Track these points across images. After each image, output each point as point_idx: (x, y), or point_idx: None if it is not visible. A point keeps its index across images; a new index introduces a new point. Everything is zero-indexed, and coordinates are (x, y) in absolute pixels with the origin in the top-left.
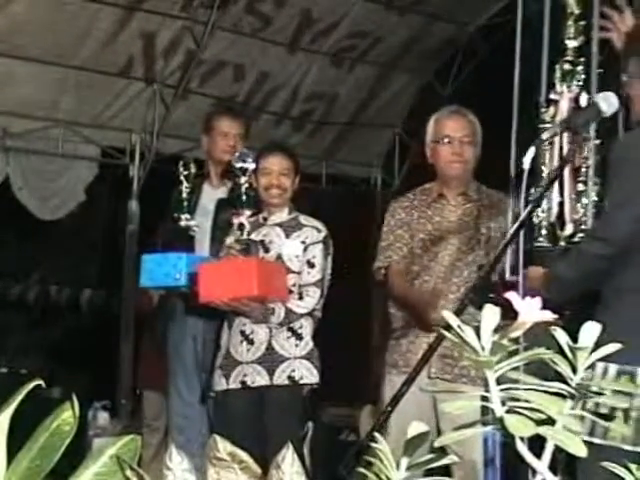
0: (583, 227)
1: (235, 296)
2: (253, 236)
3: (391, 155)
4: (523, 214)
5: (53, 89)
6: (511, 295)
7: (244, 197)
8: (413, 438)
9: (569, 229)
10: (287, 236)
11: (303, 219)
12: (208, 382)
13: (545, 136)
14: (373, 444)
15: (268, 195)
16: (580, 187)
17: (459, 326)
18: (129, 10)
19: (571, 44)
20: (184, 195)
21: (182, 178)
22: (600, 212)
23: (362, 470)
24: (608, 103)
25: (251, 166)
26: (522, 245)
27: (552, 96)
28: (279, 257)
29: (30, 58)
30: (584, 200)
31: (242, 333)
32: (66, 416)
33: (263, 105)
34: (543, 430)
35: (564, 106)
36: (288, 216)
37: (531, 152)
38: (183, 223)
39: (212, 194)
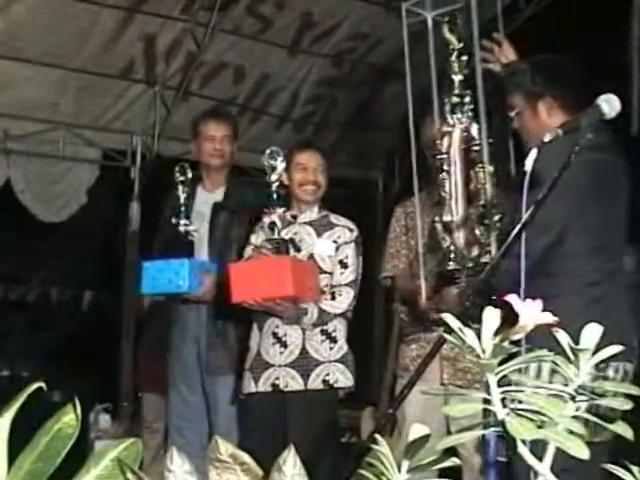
0: (488, 249)
1: (269, 296)
2: (282, 234)
3: (392, 157)
4: (525, 216)
5: (54, 91)
6: (512, 298)
7: (275, 195)
8: (414, 441)
9: (475, 251)
10: (318, 235)
11: (334, 218)
12: (237, 384)
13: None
14: (375, 446)
15: (303, 192)
16: (480, 210)
17: (460, 329)
18: (130, 12)
19: (457, 78)
20: (182, 200)
21: (179, 183)
22: (503, 233)
23: (364, 472)
24: (610, 105)
25: (281, 164)
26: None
27: (445, 128)
28: (311, 256)
29: (31, 60)
30: (486, 221)
31: (275, 335)
32: (68, 419)
33: (264, 107)
34: (545, 432)
35: (457, 136)
36: (318, 214)
37: (533, 154)
38: (182, 228)
39: (206, 198)
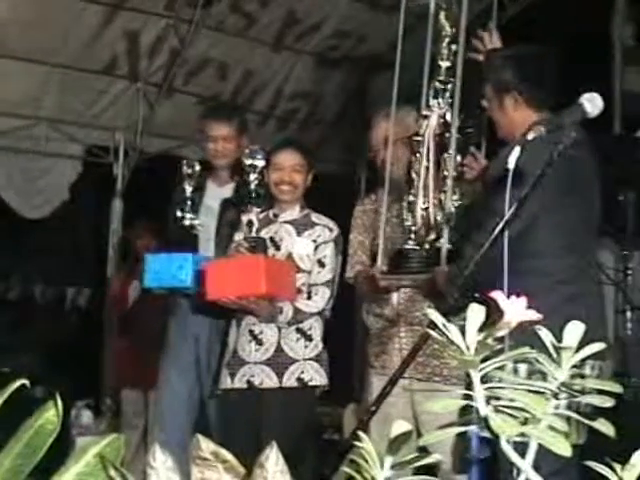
0: (444, 233)
1: (243, 294)
2: (263, 233)
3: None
4: (508, 214)
5: (37, 87)
6: (496, 295)
7: (253, 194)
8: (397, 437)
9: (433, 234)
10: (298, 234)
11: (315, 217)
12: (215, 379)
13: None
14: (357, 443)
15: (279, 191)
16: (442, 196)
17: (444, 325)
18: (113, 8)
19: (443, 64)
20: (187, 194)
21: (185, 176)
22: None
23: (346, 469)
24: (593, 104)
25: (261, 163)
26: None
27: (424, 112)
28: (289, 255)
29: (14, 56)
30: (449, 207)
31: (251, 332)
32: (49, 415)
33: (247, 104)
34: (528, 430)
35: (433, 122)
36: (299, 213)
37: (516, 152)
38: (187, 222)
39: (217, 193)
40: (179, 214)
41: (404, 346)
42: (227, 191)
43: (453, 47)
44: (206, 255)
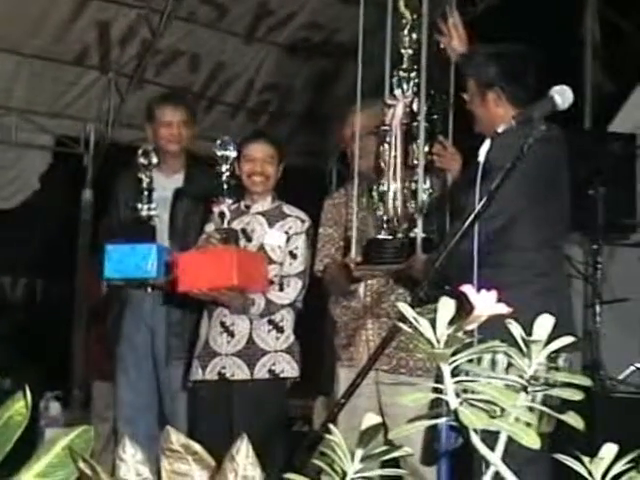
0: (418, 222)
1: (214, 286)
2: (234, 224)
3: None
4: (478, 206)
5: (7, 77)
6: (467, 288)
7: (225, 185)
8: (367, 430)
9: (405, 223)
10: (270, 225)
11: (286, 208)
12: (186, 371)
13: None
14: (327, 435)
15: (251, 182)
16: (413, 186)
17: (415, 318)
18: None
19: (406, 53)
20: (144, 184)
21: (141, 167)
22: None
23: (316, 461)
24: (563, 97)
25: (232, 154)
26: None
27: (389, 101)
28: (261, 247)
29: None
30: (419, 191)
31: (222, 324)
32: (18, 407)
33: (219, 96)
34: (497, 422)
35: (399, 111)
36: (271, 205)
37: (486, 145)
38: (144, 213)
39: (165, 183)
40: (137, 205)
41: (371, 338)
42: (177, 181)
43: (414, 35)
44: (168, 246)
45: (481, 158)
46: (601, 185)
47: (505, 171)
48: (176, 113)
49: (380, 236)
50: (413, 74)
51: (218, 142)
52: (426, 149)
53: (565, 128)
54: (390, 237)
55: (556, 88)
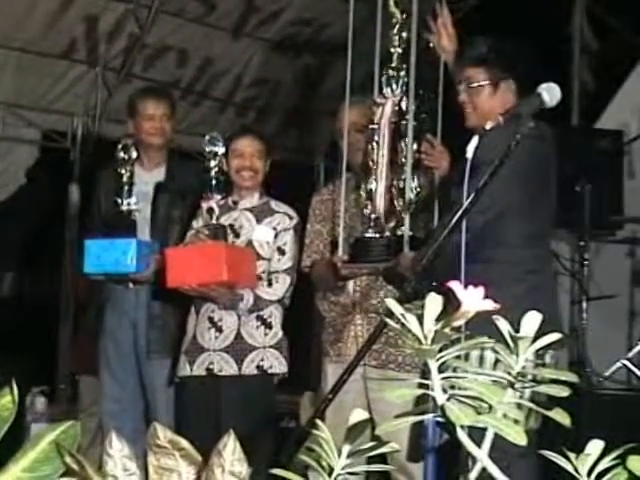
0: (405, 220)
1: (203, 281)
2: (222, 220)
3: (336, 143)
4: (466, 203)
5: None
6: (454, 284)
7: (214, 181)
8: (354, 426)
9: (392, 222)
10: (258, 221)
11: (274, 204)
12: (174, 366)
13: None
14: (314, 431)
15: (240, 178)
16: (401, 184)
17: (402, 314)
18: None
19: (395, 51)
20: (125, 179)
21: (121, 161)
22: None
23: (303, 457)
24: (551, 94)
25: (221, 150)
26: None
27: (378, 100)
28: (249, 243)
29: None
30: (407, 189)
31: (210, 320)
32: (4, 402)
33: (206, 91)
34: (483, 419)
35: (388, 109)
36: (259, 201)
37: (474, 142)
38: (125, 207)
39: (146, 177)
40: (117, 199)
41: (359, 333)
42: (158, 175)
43: (404, 34)
44: (149, 241)
45: (469, 155)
46: (588, 182)
47: (493, 167)
48: (159, 106)
49: (367, 234)
50: (402, 73)
51: (207, 138)
52: (414, 147)
53: (552, 125)
54: (377, 235)
55: (544, 85)
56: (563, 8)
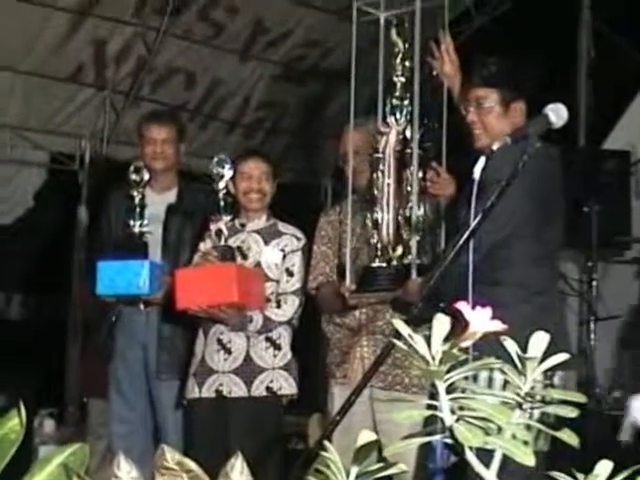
0: (412, 248)
1: (213, 302)
2: (230, 242)
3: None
4: (473, 224)
5: (2, 94)
6: (461, 305)
7: (222, 203)
8: (363, 447)
9: (399, 250)
10: (266, 243)
11: (282, 226)
12: (181, 389)
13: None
14: (322, 452)
15: (248, 200)
16: (407, 213)
17: (410, 335)
18: (80, 15)
19: (398, 80)
20: (136, 201)
21: (133, 183)
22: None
23: (311, 479)
24: (557, 115)
25: (228, 172)
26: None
27: (382, 129)
28: (257, 264)
29: None
30: (413, 217)
31: (219, 342)
32: (12, 424)
33: (214, 113)
34: (492, 440)
35: (392, 138)
36: (266, 222)
37: (481, 162)
38: (137, 229)
39: (158, 200)
40: (129, 222)
41: (365, 355)
42: (170, 197)
43: (407, 63)
44: (162, 263)
45: (476, 176)
46: (595, 202)
47: (501, 188)
48: (160, 131)
49: (375, 264)
50: (406, 102)
51: (215, 159)
52: (420, 176)
53: (559, 145)
54: (385, 264)
55: (551, 106)
56: (569, 29)
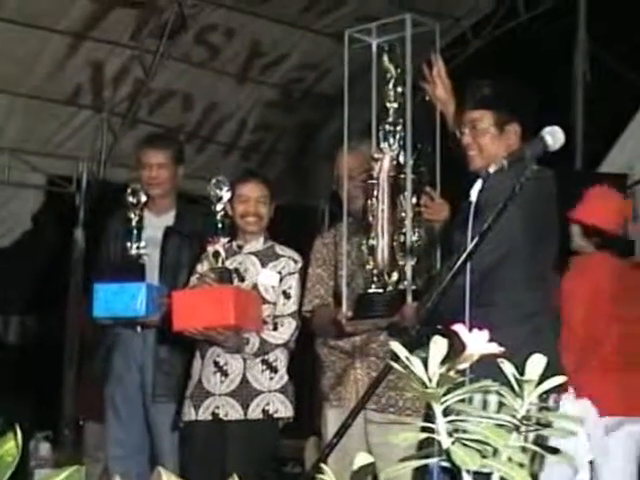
0: (407, 274)
1: (210, 324)
2: (227, 264)
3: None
4: (470, 246)
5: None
6: (459, 327)
7: (219, 225)
8: (359, 470)
9: (395, 276)
10: (263, 265)
11: (279, 249)
12: (178, 411)
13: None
14: (319, 476)
15: (244, 223)
16: (402, 238)
17: (407, 357)
18: (78, 38)
19: (391, 106)
20: (134, 223)
21: (130, 205)
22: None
23: None
24: (554, 138)
25: (226, 194)
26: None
27: (376, 155)
28: (254, 287)
29: None
30: (408, 242)
31: (216, 364)
32: (8, 447)
33: (211, 135)
34: (489, 462)
35: (386, 164)
36: (264, 245)
37: (478, 185)
38: (134, 252)
39: (156, 222)
40: (127, 244)
41: (359, 377)
42: (168, 220)
43: (399, 89)
44: (159, 285)
45: (473, 198)
46: None
47: (497, 210)
48: (156, 156)
49: (370, 290)
50: (399, 127)
51: (213, 182)
52: (414, 201)
53: (556, 168)
54: (381, 290)
55: (547, 129)
56: (565, 52)
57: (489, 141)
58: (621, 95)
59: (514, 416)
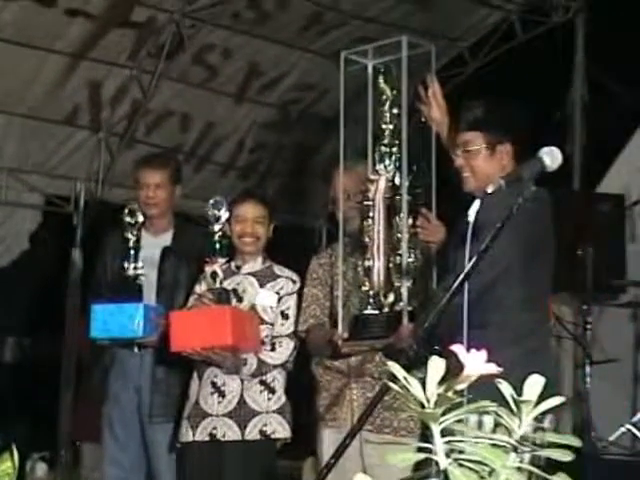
0: (403, 295)
1: (208, 345)
2: (225, 284)
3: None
4: (468, 266)
5: None
6: (457, 348)
7: (217, 245)
8: None
9: (391, 297)
10: (261, 286)
11: (277, 269)
12: (175, 431)
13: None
14: None
15: (242, 243)
16: (398, 259)
17: (405, 377)
18: (75, 58)
19: (387, 128)
20: (131, 243)
21: (127, 225)
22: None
23: None
24: (552, 158)
25: (225, 214)
26: None
27: (371, 176)
28: (252, 307)
29: None
30: (404, 264)
31: (213, 385)
32: (4, 467)
33: (209, 155)
34: None
35: (382, 186)
36: (262, 265)
37: (476, 205)
38: (131, 272)
39: (153, 242)
40: (124, 264)
41: (354, 397)
42: (165, 240)
43: (395, 110)
44: (156, 305)
45: (471, 218)
46: (590, 245)
47: (495, 230)
48: (153, 176)
49: (366, 311)
50: (395, 149)
51: (211, 202)
52: (410, 222)
53: (554, 189)
54: (376, 312)
55: (545, 149)
56: (563, 72)
57: (482, 162)
58: (619, 115)
59: (511, 436)
